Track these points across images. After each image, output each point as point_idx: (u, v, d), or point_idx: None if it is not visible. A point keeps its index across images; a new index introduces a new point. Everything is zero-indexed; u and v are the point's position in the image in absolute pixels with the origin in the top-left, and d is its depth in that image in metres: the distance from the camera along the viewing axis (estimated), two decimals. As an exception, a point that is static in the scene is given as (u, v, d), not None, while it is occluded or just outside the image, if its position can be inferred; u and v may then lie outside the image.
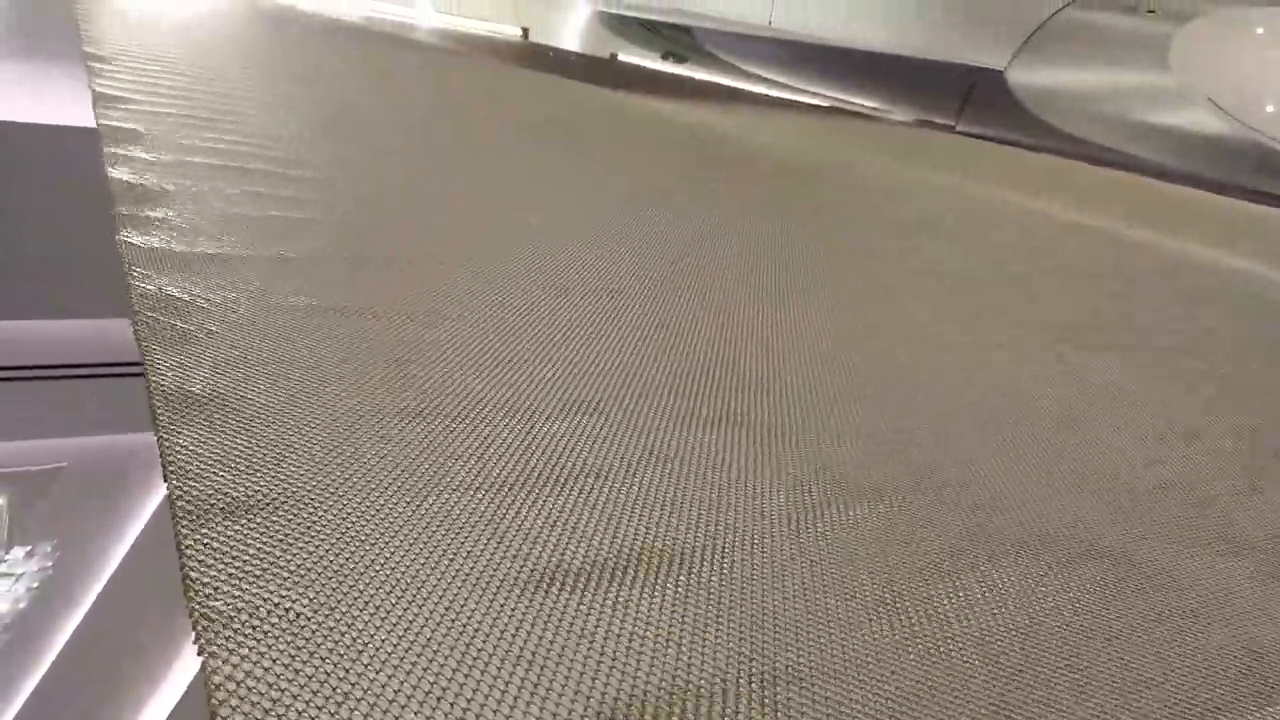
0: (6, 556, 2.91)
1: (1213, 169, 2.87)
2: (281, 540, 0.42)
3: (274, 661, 0.35)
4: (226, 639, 0.36)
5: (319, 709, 0.33)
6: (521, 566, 0.43)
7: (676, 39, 4.77)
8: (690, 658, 0.40)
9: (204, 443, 0.48)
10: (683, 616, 0.42)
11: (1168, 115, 2.94)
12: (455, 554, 0.44)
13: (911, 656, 0.43)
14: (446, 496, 0.48)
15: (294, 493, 0.45)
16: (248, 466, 0.47)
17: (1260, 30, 2.97)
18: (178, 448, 0.47)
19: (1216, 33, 3.01)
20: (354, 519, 0.44)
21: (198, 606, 0.37)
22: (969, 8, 3.24)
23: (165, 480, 0.46)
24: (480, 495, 0.49)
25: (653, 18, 3.81)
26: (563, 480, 0.52)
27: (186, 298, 0.56)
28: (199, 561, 0.39)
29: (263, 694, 0.33)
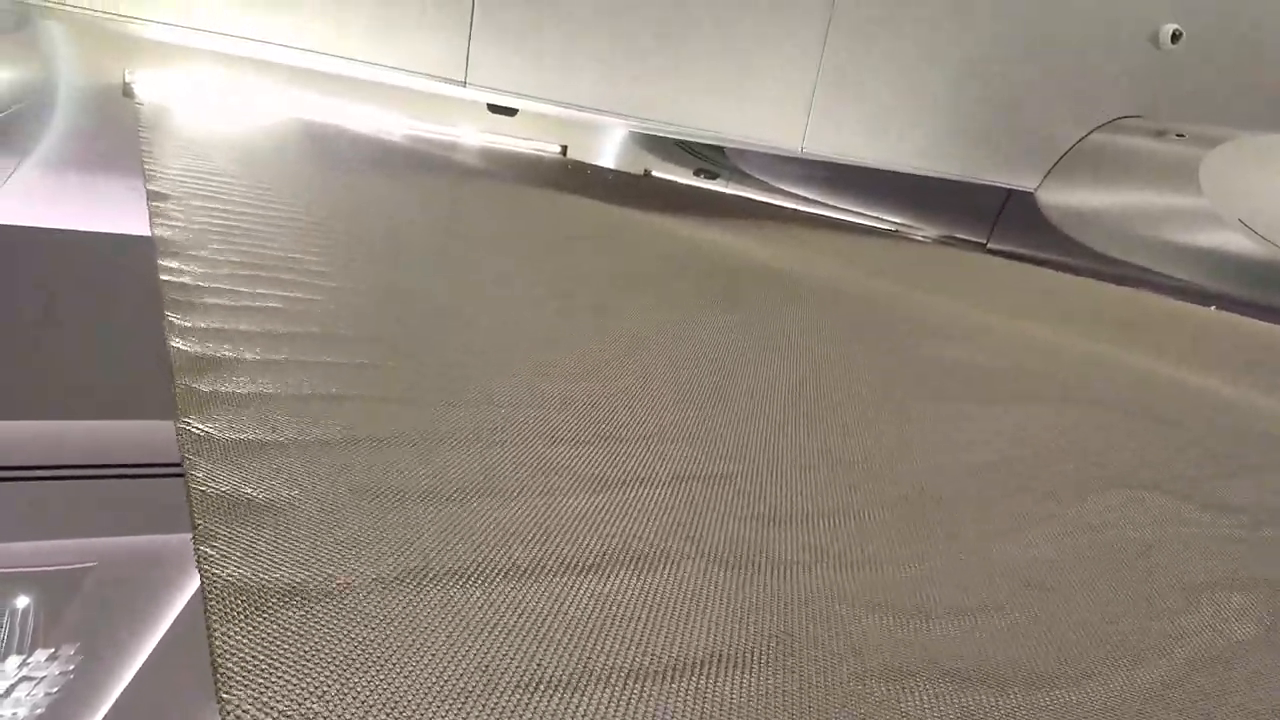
0: (29, 660, 2.90)
1: (1247, 290, 2.86)
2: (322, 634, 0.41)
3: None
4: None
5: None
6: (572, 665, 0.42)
7: (709, 157, 4.91)
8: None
9: (240, 540, 0.48)
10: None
11: (1200, 237, 2.96)
12: (501, 654, 0.43)
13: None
14: (502, 584, 0.47)
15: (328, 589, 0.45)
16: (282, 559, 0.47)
17: (1289, 155, 3.00)
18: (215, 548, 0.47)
19: (1246, 157, 3.04)
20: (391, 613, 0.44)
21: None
22: (1002, 131, 3.31)
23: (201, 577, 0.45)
24: (539, 579, 0.48)
25: (686, 137, 3.92)
26: (611, 563, 0.52)
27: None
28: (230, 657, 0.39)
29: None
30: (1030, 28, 3.25)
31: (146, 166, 1.55)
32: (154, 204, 1.22)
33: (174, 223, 1.14)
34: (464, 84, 2.39)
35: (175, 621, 3.33)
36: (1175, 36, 3.45)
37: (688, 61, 2.68)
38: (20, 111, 2.88)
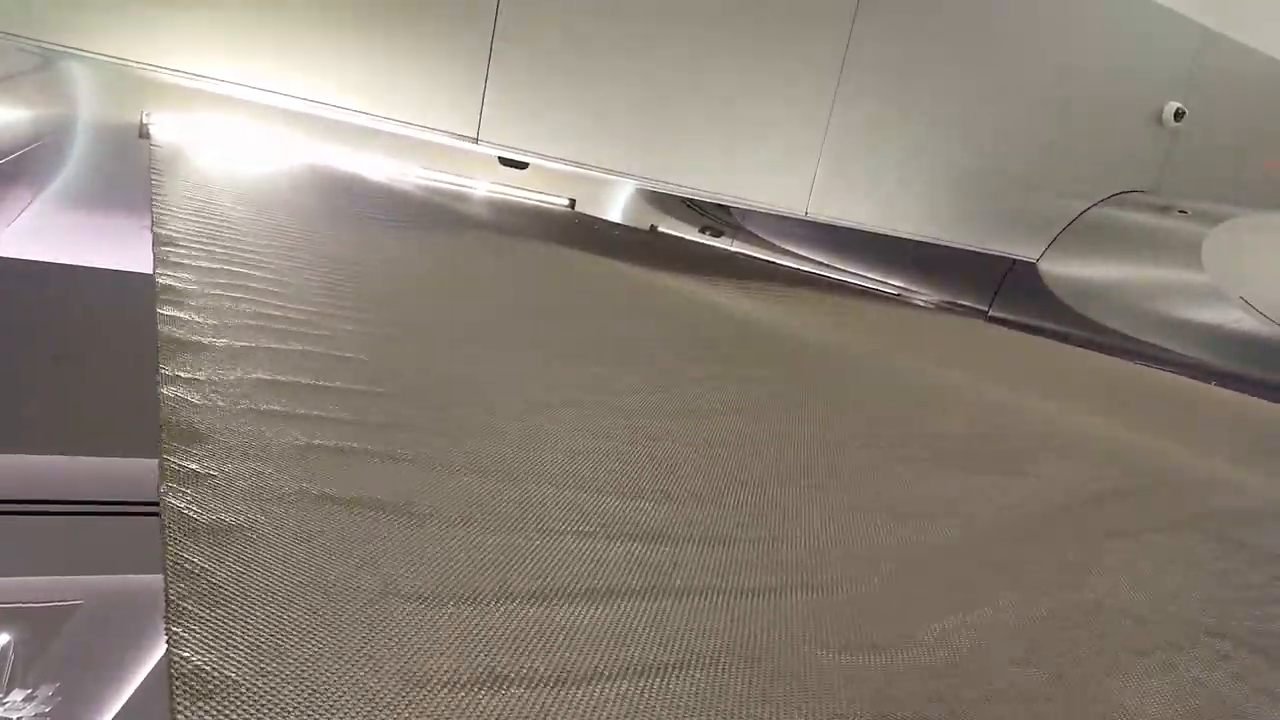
0: (5, 699, 2.86)
1: (1248, 366, 2.86)
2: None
3: None
4: None
5: None
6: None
7: (715, 215, 4.96)
8: None
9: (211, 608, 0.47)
10: None
11: (1201, 313, 2.97)
12: None
13: None
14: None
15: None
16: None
17: (1290, 234, 3.03)
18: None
19: (1249, 234, 3.07)
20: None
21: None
22: (1005, 201, 3.35)
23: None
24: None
25: (693, 195, 3.97)
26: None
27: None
28: None
29: None
30: (1036, 101, 3.30)
31: (156, 209, 1.57)
32: (159, 248, 1.23)
33: (178, 268, 1.15)
34: (476, 140, 2.42)
35: (159, 663, 3.28)
36: (1179, 114, 3.51)
37: (696, 124, 2.72)
38: (37, 149, 2.93)
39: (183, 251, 1.26)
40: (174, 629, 0.45)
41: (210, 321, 0.96)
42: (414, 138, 2.97)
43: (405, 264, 1.97)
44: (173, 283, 1.04)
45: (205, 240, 1.39)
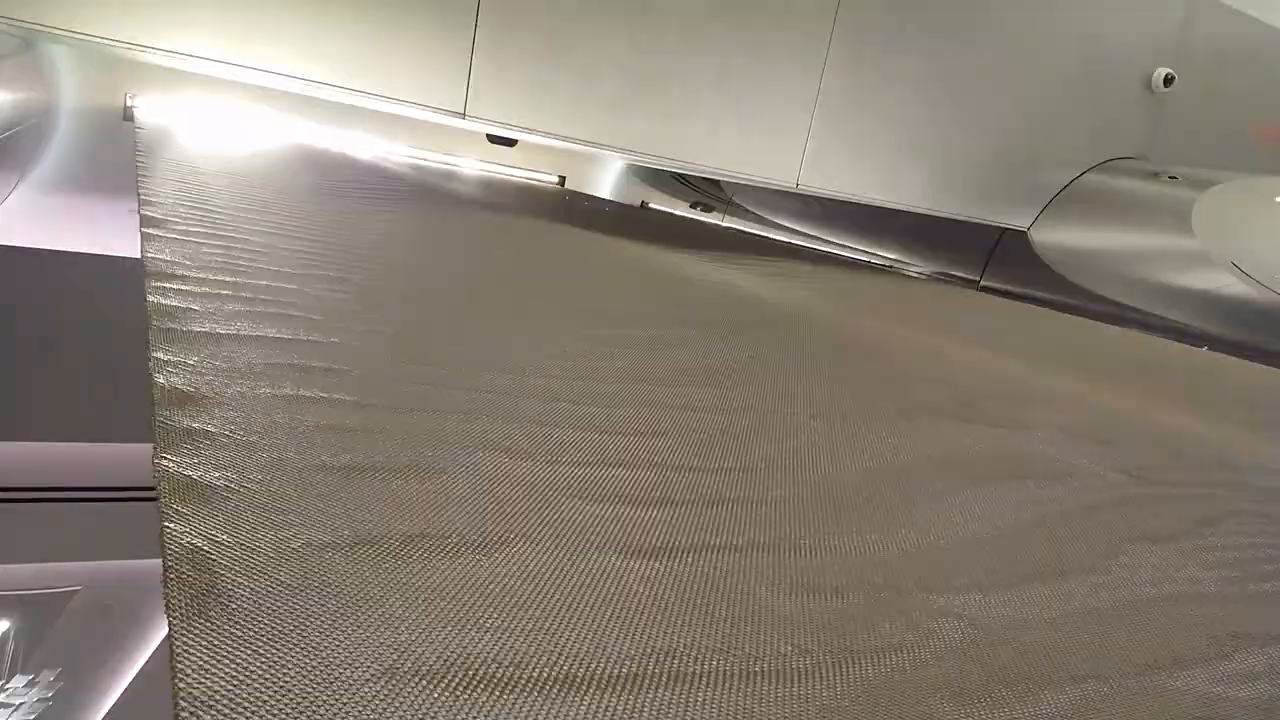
0: (7, 685, 2.87)
1: (1238, 331, 2.87)
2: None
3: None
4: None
5: None
6: None
7: (706, 190, 4.95)
8: None
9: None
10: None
11: (1191, 278, 2.97)
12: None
13: None
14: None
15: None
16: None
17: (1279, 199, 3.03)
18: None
19: (1238, 199, 3.07)
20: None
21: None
22: (995, 170, 3.34)
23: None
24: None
25: (683, 171, 3.95)
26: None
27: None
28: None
29: None
30: (1026, 69, 3.29)
31: (142, 191, 1.56)
32: (146, 229, 1.22)
33: (166, 249, 1.14)
34: (463, 116, 2.40)
35: (159, 647, 3.29)
36: (1168, 80, 3.50)
37: (686, 97, 2.70)
38: (20, 133, 2.90)
39: (170, 233, 1.25)
40: (172, 596, 0.45)
41: (202, 307, 0.96)
42: (401, 115, 2.94)
43: (397, 241, 1.97)
44: (162, 265, 1.03)
45: (194, 222, 1.38)
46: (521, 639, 0.49)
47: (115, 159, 3.03)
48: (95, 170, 3.28)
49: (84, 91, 3.30)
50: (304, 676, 0.43)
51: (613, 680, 0.47)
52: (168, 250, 1.14)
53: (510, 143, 3.96)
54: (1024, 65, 3.29)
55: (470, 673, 0.45)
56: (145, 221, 1.24)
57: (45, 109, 3.14)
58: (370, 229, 1.98)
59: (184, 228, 1.30)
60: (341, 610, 0.48)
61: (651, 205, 5.13)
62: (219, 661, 0.42)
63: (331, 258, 1.40)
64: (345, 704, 0.41)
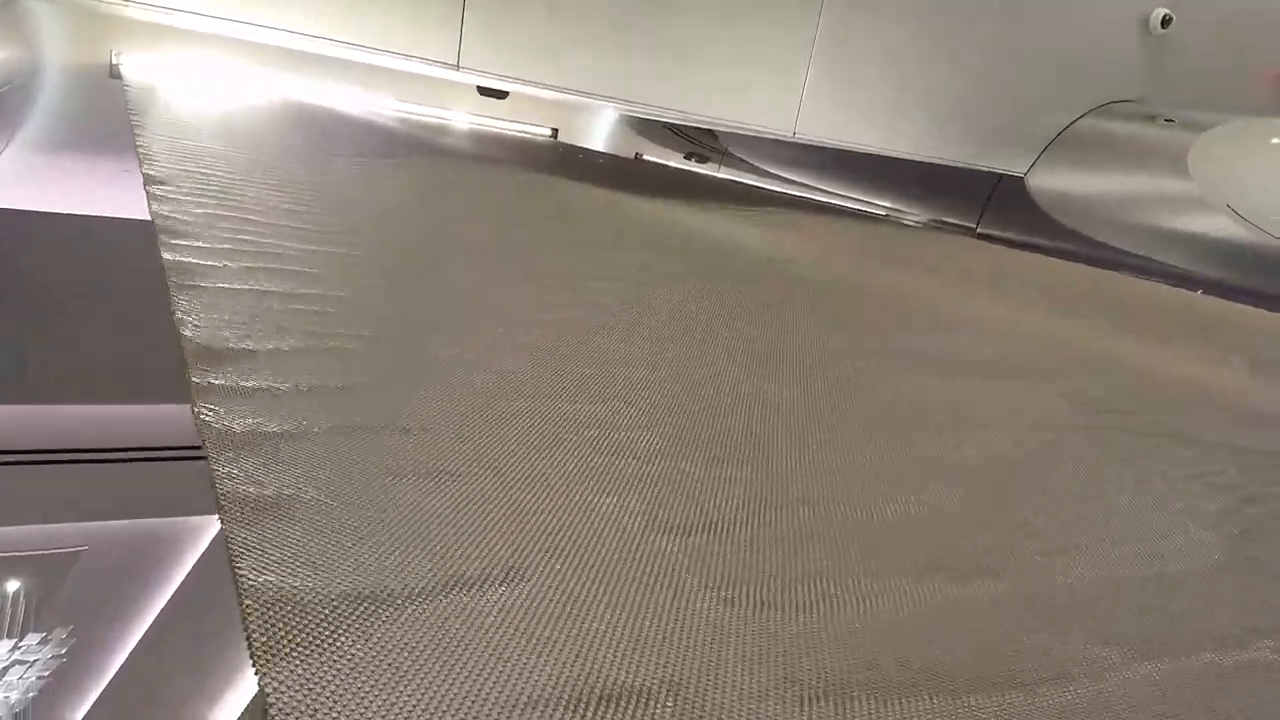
0: (21, 643, 2.90)
1: (1234, 275, 2.88)
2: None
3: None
4: None
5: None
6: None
7: (701, 140, 4.90)
8: None
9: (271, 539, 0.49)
10: None
11: (1187, 221, 2.98)
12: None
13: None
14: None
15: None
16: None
17: (1276, 140, 3.02)
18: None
19: (1234, 142, 3.06)
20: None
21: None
22: (991, 116, 3.32)
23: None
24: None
25: (678, 121, 3.92)
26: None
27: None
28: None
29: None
30: (1020, 13, 3.26)
31: (140, 150, 1.55)
32: (151, 188, 1.21)
33: (173, 207, 1.14)
34: (456, 67, 2.38)
35: (167, 605, 3.33)
36: (1165, 21, 3.46)
37: (680, 46, 2.67)
38: (7, 93, 2.85)
39: (174, 190, 1.24)
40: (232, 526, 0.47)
41: (212, 261, 0.96)
42: (392, 68, 2.90)
43: (396, 198, 1.96)
44: (171, 222, 1.03)
45: (197, 181, 1.37)
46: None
47: (105, 117, 2.99)
48: (84, 129, 3.24)
49: (67, 49, 3.24)
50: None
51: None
52: (173, 206, 1.13)
53: (501, 95, 3.91)
54: (1020, 10, 3.25)
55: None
56: (148, 180, 1.24)
57: (30, 69, 3.09)
58: (368, 185, 1.97)
59: (187, 184, 1.29)
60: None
61: (646, 157, 5.09)
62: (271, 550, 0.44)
63: (332, 220, 1.40)
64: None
